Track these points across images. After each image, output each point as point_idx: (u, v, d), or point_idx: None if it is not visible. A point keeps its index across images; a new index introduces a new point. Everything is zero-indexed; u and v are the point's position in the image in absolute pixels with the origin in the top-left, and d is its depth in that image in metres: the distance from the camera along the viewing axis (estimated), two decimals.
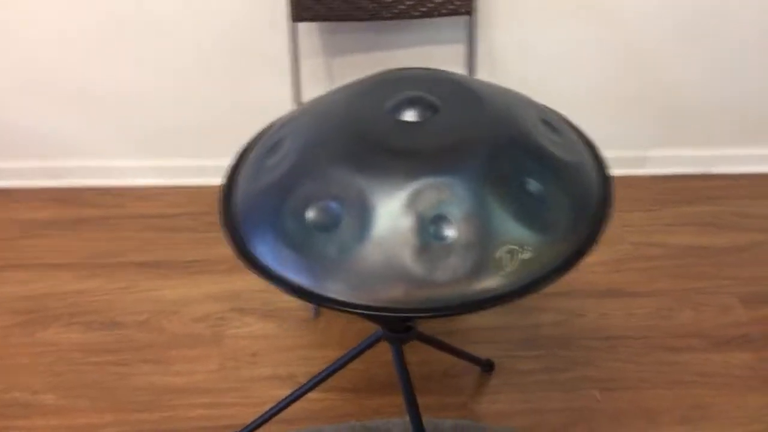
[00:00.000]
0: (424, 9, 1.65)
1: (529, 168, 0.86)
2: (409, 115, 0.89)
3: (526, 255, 0.81)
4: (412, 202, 0.81)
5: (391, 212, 0.80)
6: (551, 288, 1.68)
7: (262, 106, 1.87)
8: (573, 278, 1.74)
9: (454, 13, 1.67)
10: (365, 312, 0.79)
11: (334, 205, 0.82)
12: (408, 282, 0.79)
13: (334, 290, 0.80)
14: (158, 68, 1.83)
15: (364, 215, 0.81)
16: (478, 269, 0.80)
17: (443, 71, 1.01)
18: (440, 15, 1.67)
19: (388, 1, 1.64)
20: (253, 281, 1.73)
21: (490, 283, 0.80)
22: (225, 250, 1.82)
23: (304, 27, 1.76)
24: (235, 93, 1.88)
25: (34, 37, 1.78)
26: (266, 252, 0.85)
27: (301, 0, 1.60)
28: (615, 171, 2.09)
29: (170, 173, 2.03)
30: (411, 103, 0.90)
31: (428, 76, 0.97)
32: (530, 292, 0.81)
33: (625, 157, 2.08)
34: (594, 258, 1.80)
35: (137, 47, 1.80)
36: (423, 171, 0.82)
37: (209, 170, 2.01)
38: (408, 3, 1.65)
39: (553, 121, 0.98)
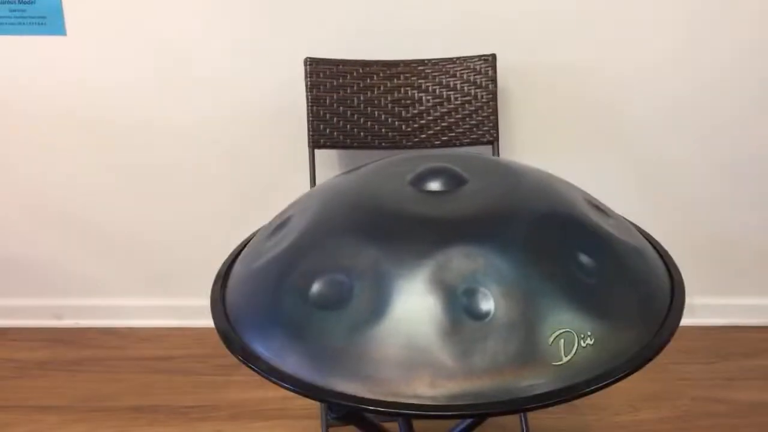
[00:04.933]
0: (445, 138, 1.60)
1: (580, 241, 0.71)
2: (434, 186, 0.77)
3: (587, 342, 0.64)
4: (438, 273, 0.65)
5: (413, 284, 0.65)
6: None
7: None
8: None
9: (477, 142, 1.60)
10: (381, 410, 0.61)
11: (342, 277, 0.67)
12: (435, 370, 0.62)
13: (342, 383, 0.63)
14: (167, 205, 1.79)
15: (379, 288, 0.65)
16: (526, 357, 0.62)
17: (472, 153, 0.91)
18: (462, 145, 1.60)
19: (408, 130, 1.60)
20: (259, 430, 1.51)
21: (542, 374, 0.62)
22: (230, 394, 1.63)
23: (322, 155, 1.71)
24: (249, 230, 1.80)
25: (41, 175, 1.76)
26: (260, 340, 0.69)
27: (319, 127, 1.57)
28: None
29: (179, 314, 1.91)
30: (435, 173, 0.77)
31: (455, 155, 0.86)
32: (596, 389, 0.63)
33: None
34: (654, 414, 1.57)
35: (146, 186, 1.77)
36: (451, 238, 0.67)
37: None
38: (429, 132, 1.60)
39: (601, 206, 0.85)
